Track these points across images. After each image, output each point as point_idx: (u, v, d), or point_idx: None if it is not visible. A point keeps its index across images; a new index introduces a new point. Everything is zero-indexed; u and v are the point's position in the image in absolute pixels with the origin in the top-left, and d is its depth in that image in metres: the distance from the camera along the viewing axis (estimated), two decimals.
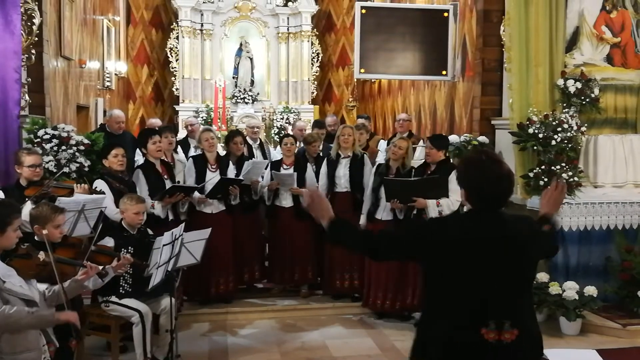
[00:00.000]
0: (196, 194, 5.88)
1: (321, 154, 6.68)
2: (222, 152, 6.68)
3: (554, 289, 5.65)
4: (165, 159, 5.91)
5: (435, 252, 2.51)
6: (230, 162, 6.25)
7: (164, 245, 4.12)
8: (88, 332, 4.80)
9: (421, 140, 8.04)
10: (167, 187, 5.57)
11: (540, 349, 2.62)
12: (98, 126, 8.77)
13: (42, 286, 3.25)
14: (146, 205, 5.26)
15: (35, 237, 3.75)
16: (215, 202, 6.00)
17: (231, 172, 6.13)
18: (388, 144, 7.00)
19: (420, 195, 5.52)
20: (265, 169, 6.50)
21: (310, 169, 6.44)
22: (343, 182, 6.19)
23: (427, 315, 2.64)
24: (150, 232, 4.87)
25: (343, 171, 6.19)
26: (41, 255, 3.15)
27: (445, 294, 2.52)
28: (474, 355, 2.46)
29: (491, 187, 2.53)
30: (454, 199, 5.36)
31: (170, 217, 5.62)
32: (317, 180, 6.37)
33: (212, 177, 5.95)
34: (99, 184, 5.17)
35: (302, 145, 7.05)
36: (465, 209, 2.71)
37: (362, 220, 5.99)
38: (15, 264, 3.04)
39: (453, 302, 2.50)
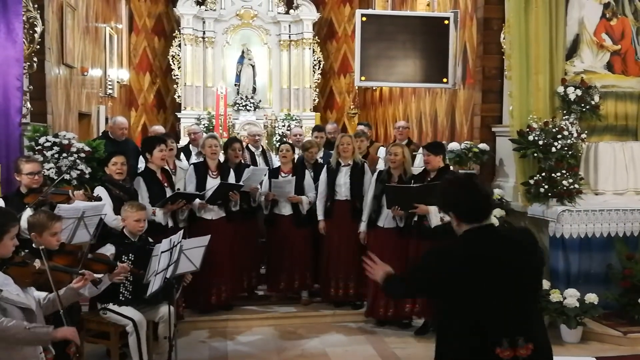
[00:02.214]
0: (197, 200, 5.89)
1: (322, 161, 6.69)
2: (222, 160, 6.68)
3: (555, 296, 5.63)
4: (168, 166, 5.94)
5: (450, 282, 2.53)
6: (232, 171, 6.25)
7: (161, 252, 4.12)
8: (92, 339, 4.80)
9: (421, 148, 8.04)
10: (167, 194, 5.59)
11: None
12: (100, 133, 8.81)
13: (40, 294, 3.25)
14: (147, 212, 5.28)
15: (33, 245, 3.76)
16: (216, 208, 6.01)
17: (232, 179, 6.13)
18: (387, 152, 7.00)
19: (422, 201, 5.51)
20: (265, 175, 6.50)
21: (308, 176, 6.45)
22: (343, 190, 6.19)
23: (442, 338, 2.63)
24: (150, 239, 4.88)
25: (344, 179, 6.19)
26: (37, 263, 3.15)
27: (458, 317, 2.52)
28: None
29: (481, 202, 2.60)
30: None
31: (170, 224, 5.63)
32: (315, 187, 6.37)
33: (214, 185, 5.96)
34: (99, 191, 5.19)
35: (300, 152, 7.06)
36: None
37: (363, 227, 5.99)
38: (11, 272, 3.04)
39: (465, 324, 2.50)
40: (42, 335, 2.96)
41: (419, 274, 2.74)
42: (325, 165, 6.33)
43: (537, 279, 2.68)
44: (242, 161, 6.58)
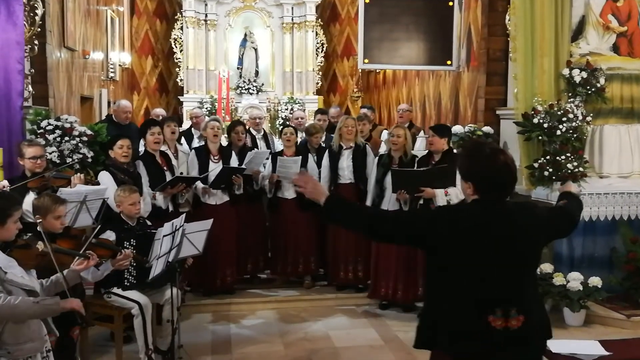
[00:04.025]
0: (200, 185, 5.87)
1: (323, 145, 6.64)
2: (225, 143, 6.65)
3: (558, 279, 5.63)
4: (167, 150, 5.91)
5: (446, 241, 2.50)
6: (233, 152, 6.22)
7: (164, 236, 4.11)
8: (92, 322, 4.82)
9: (422, 131, 8.01)
10: (167, 177, 5.58)
11: (548, 334, 2.64)
12: (104, 117, 8.78)
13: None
14: (147, 196, 5.28)
15: (38, 228, 3.77)
16: (219, 193, 5.99)
17: (234, 162, 6.10)
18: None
19: (427, 185, 5.49)
20: (267, 159, 6.47)
21: (311, 160, 6.41)
22: (346, 173, 6.16)
23: (432, 304, 2.63)
24: (149, 223, 4.87)
25: (346, 162, 6.16)
26: (40, 246, 3.17)
27: (451, 283, 2.52)
28: (481, 342, 2.47)
29: (501, 176, 2.54)
30: (460, 189, 5.30)
31: (171, 208, 5.63)
32: (319, 171, 6.34)
33: (215, 168, 5.94)
34: (104, 176, 5.17)
35: (303, 136, 7.02)
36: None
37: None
38: (15, 254, 3.05)
39: (459, 290, 2.50)
40: (52, 305, 2.99)
41: (417, 216, 2.69)
42: (327, 149, 6.28)
43: (537, 256, 2.67)
44: (246, 144, 6.54)
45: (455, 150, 6.06)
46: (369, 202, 5.96)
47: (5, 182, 4.62)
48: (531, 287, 2.64)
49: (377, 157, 6.06)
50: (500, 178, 2.54)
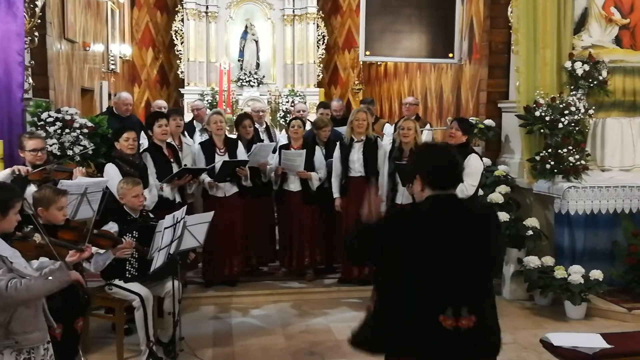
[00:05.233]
0: (207, 179, 5.88)
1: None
2: (230, 136, 6.64)
3: (560, 272, 5.63)
4: (173, 142, 5.91)
5: (402, 242, 2.45)
6: (240, 143, 6.22)
7: (165, 228, 4.11)
8: (97, 314, 4.83)
9: (427, 124, 7.99)
10: (173, 169, 5.57)
11: (499, 341, 2.55)
12: (105, 109, 8.77)
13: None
14: (154, 188, 5.27)
15: (39, 220, 3.77)
16: (227, 185, 5.99)
17: (240, 153, 6.10)
18: (395, 129, 6.93)
19: None
20: (273, 152, 6.47)
21: (319, 152, 6.39)
22: (357, 166, 6.11)
23: (385, 307, 2.54)
24: (151, 215, 4.87)
25: (357, 155, 6.11)
26: (37, 238, 3.17)
27: (405, 283, 2.45)
28: (434, 343, 2.40)
29: (449, 170, 2.61)
30: (468, 184, 5.20)
31: (177, 199, 5.63)
32: (327, 165, 6.33)
33: (221, 160, 5.94)
34: (110, 168, 5.16)
35: (309, 128, 7.00)
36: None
37: (382, 208, 5.94)
38: (14, 246, 3.06)
39: (412, 290, 2.44)
40: (63, 275, 3.00)
41: (373, 228, 2.63)
42: (338, 142, 6.26)
43: (489, 252, 2.59)
44: (254, 137, 6.53)
45: (471, 145, 6.02)
46: (383, 198, 5.92)
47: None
48: (487, 288, 2.57)
49: (389, 151, 6.03)
50: (444, 171, 2.60)
